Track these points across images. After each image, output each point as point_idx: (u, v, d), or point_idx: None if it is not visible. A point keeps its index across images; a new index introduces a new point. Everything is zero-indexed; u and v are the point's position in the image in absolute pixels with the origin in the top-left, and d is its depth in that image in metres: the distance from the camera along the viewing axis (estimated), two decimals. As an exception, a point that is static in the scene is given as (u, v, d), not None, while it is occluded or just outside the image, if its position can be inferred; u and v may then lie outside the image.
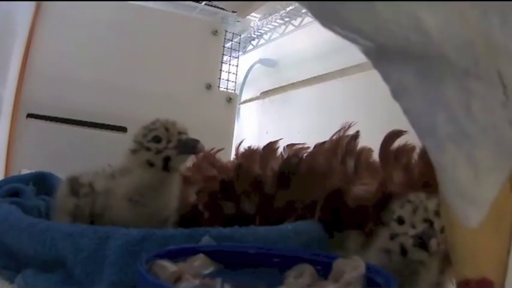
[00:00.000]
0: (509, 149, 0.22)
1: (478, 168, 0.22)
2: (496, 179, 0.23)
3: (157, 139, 0.47)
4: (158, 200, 0.47)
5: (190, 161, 0.67)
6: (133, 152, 0.48)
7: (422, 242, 0.37)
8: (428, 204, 0.38)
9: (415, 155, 0.46)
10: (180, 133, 0.47)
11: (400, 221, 0.39)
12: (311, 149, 0.56)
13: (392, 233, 0.40)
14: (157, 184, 0.47)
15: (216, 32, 1.18)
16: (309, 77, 1.22)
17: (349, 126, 0.53)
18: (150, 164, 0.47)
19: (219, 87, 1.21)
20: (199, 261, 0.32)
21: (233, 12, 1.27)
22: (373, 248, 0.41)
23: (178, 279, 0.28)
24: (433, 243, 0.36)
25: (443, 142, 0.22)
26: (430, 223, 0.38)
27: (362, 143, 0.52)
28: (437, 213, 0.38)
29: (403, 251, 0.39)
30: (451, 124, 0.22)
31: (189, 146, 0.46)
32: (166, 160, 0.46)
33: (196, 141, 0.46)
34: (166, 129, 0.47)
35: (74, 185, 0.47)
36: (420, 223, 0.38)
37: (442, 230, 0.38)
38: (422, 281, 0.39)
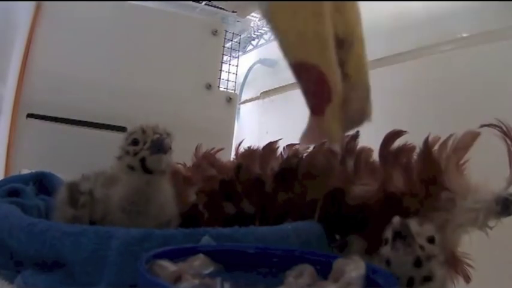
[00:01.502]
0: None
1: None
2: None
3: (135, 142, 0.47)
4: (152, 206, 0.47)
5: (190, 161, 0.67)
6: (119, 158, 0.48)
7: None
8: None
9: (415, 155, 0.46)
10: (155, 134, 0.47)
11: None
12: (311, 149, 0.56)
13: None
14: (145, 188, 0.47)
15: (216, 32, 1.18)
16: (308, 77, 1.21)
17: (349, 126, 0.53)
18: (131, 168, 0.47)
19: (219, 87, 1.21)
20: (199, 261, 0.32)
21: (233, 12, 1.26)
22: None
23: (178, 279, 0.28)
24: None
25: None
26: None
27: (362, 143, 0.52)
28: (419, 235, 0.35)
29: None
30: None
31: (157, 144, 0.46)
32: (143, 161, 0.46)
33: (163, 139, 0.46)
34: (143, 132, 0.47)
35: (74, 193, 0.47)
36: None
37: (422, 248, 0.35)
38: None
